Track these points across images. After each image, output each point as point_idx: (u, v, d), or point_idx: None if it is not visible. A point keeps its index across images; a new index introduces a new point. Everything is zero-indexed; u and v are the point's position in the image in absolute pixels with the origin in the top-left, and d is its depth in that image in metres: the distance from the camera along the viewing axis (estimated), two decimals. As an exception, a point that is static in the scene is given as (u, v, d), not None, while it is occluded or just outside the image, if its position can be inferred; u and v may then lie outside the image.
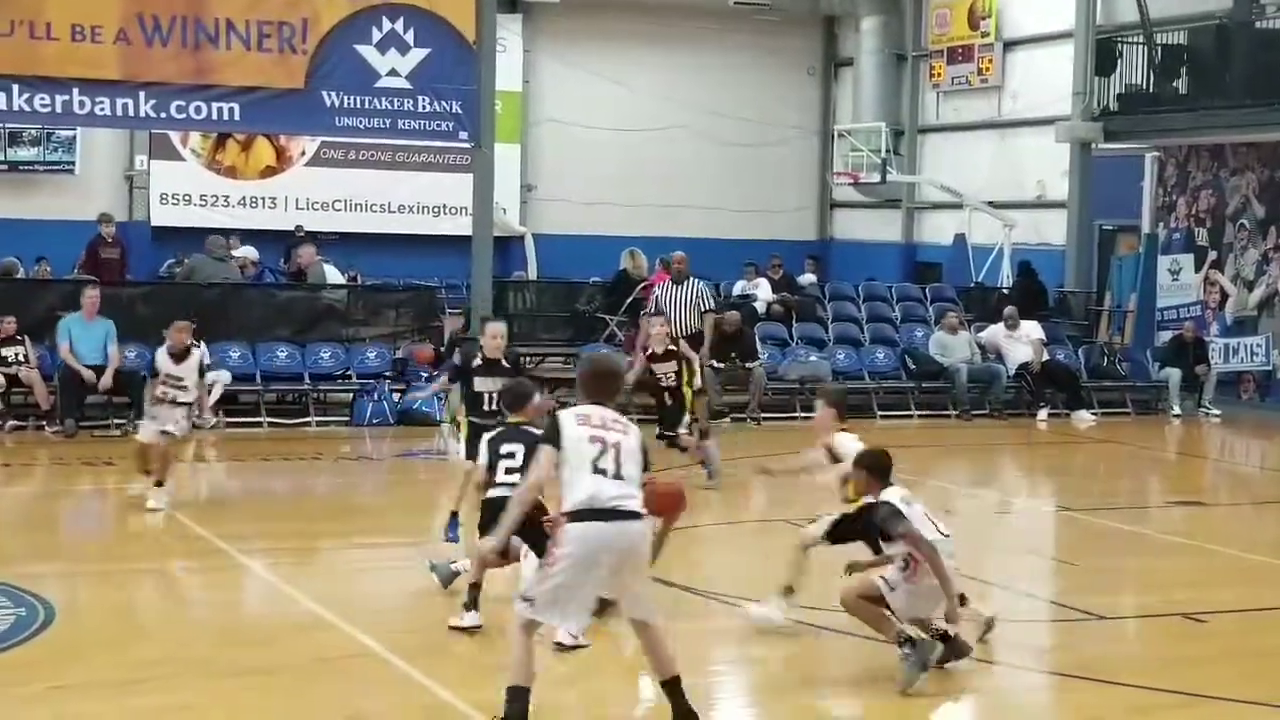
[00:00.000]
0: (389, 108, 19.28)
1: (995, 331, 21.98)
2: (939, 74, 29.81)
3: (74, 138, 26.28)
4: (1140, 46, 24.38)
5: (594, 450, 6.87)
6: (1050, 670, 8.97)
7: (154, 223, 27.15)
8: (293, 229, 24.99)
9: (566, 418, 7.01)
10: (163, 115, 18.72)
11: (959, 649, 8.32)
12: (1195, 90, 23.61)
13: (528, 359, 22.77)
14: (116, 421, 17.28)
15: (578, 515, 6.81)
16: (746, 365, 20.04)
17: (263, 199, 27.82)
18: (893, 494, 8.16)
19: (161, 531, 12.34)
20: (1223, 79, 22.83)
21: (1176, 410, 21.87)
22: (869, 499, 8.37)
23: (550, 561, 6.88)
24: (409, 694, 7.89)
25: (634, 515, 6.90)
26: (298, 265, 21.76)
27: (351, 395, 19.07)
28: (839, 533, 8.93)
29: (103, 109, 18.34)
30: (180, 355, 12.93)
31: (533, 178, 30.19)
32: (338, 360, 19.33)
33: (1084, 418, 20.96)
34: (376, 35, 19.07)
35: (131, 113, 18.49)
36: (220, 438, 17.69)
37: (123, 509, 12.90)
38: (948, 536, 8.17)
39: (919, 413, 21.27)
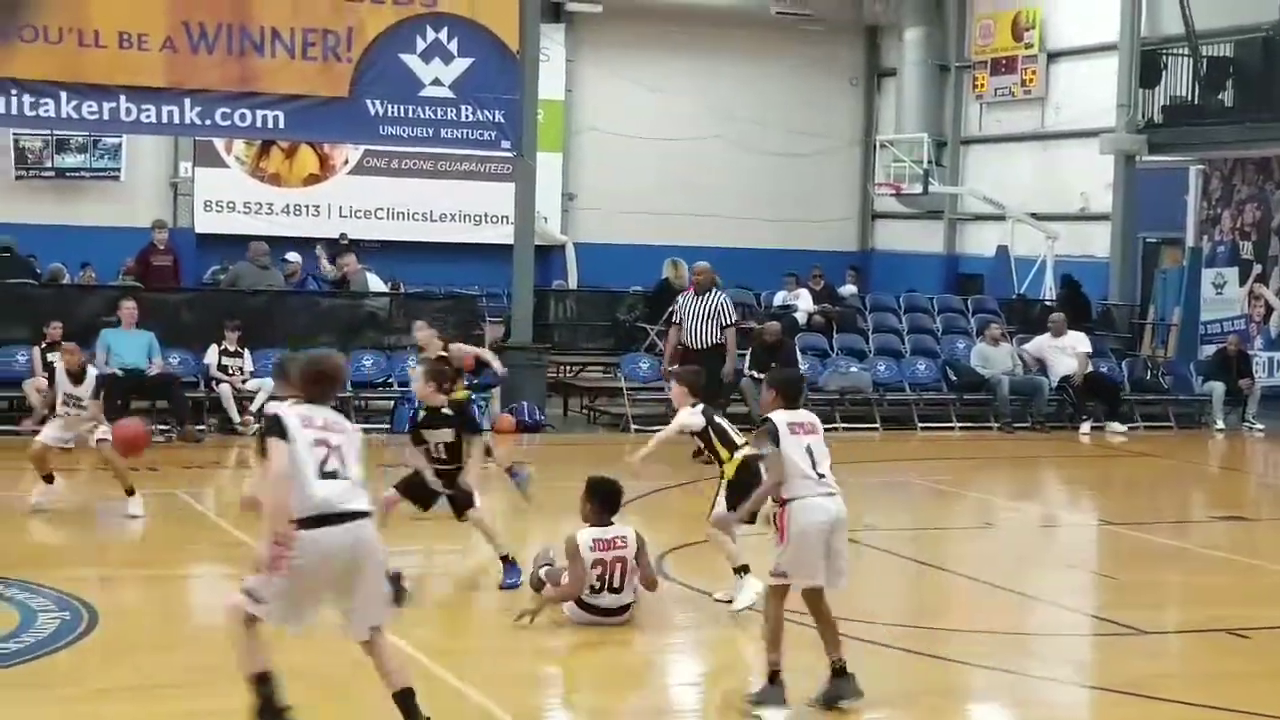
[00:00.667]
0: (432, 117, 19.36)
1: (1040, 342, 21.85)
2: (982, 85, 29.71)
3: (120, 145, 26.47)
4: (1185, 58, 24.22)
5: (320, 454, 6.76)
6: (1093, 685, 8.92)
7: (198, 230, 27.30)
8: (336, 237, 25.10)
9: (290, 419, 6.81)
10: (208, 122, 18.88)
11: (851, 689, 7.79)
12: (1241, 102, 23.46)
13: (568, 368, 22.89)
14: (160, 428, 17.37)
15: (310, 522, 6.68)
16: (787, 376, 19.94)
17: (306, 207, 27.97)
18: (781, 416, 8.03)
19: (203, 537, 12.40)
20: (1269, 91, 22.67)
21: (1220, 424, 21.69)
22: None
23: (277, 567, 6.72)
24: (445, 699, 7.88)
25: (364, 514, 6.83)
26: (341, 273, 21.86)
27: (392, 402, 19.14)
28: (735, 499, 9.20)
29: (148, 116, 18.48)
30: (77, 375, 12.68)
31: (574, 187, 30.24)
32: (379, 368, 19.41)
33: (1115, 429, 20.84)
34: (421, 44, 19.15)
35: (177, 120, 18.63)
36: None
37: (165, 514, 12.94)
38: (823, 478, 7.93)
39: (960, 425, 21.17)
